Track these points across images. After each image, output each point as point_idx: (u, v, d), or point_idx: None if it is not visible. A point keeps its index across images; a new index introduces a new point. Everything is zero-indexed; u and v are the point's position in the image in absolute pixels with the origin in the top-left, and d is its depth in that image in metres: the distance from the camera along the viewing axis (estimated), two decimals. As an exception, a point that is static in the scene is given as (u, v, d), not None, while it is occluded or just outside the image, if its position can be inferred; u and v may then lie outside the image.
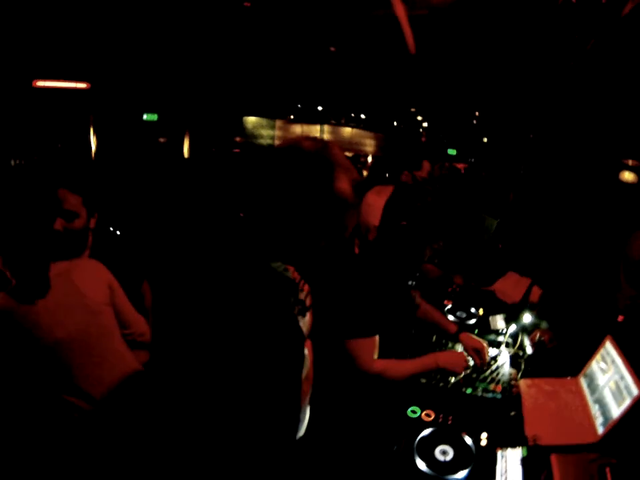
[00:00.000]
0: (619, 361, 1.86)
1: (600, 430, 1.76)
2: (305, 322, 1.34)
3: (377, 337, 2.03)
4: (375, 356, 2.03)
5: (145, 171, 6.49)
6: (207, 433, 1.11)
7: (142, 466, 1.33)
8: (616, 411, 1.72)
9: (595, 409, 1.89)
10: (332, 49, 6.37)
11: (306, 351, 1.30)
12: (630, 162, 4.21)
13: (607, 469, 1.46)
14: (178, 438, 1.13)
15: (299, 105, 13.72)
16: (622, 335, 1.97)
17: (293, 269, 1.24)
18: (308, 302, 1.36)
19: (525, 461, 1.66)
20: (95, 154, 7.92)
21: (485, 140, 8.64)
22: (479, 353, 2.29)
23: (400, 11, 4.12)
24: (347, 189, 1.17)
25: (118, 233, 2.77)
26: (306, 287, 1.38)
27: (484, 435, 1.81)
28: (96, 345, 1.89)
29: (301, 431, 1.39)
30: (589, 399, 1.98)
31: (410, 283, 2.41)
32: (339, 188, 1.15)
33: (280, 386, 1.14)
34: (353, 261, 2.04)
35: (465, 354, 2.25)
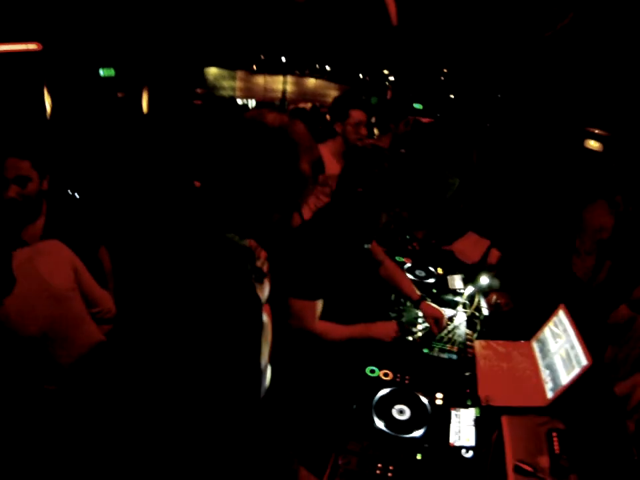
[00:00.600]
0: (570, 330, 1.97)
1: (549, 395, 1.89)
2: (262, 288, 1.36)
3: (320, 301, 2.11)
4: (317, 318, 2.11)
5: (102, 129, 6.13)
6: (173, 402, 1.13)
7: (113, 439, 1.35)
8: (565, 378, 1.83)
9: (545, 374, 2.02)
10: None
11: (265, 317, 1.31)
12: (596, 130, 4.31)
13: (554, 434, 1.56)
14: (144, 409, 1.14)
15: (262, 56, 13.24)
16: (575, 305, 2.08)
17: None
18: (265, 268, 1.39)
19: (477, 421, 1.76)
20: (50, 114, 7.37)
21: (452, 97, 8.61)
22: (437, 322, 2.37)
23: None
24: (307, 168, 1.19)
25: (76, 195, 2.63)
26: (262, 254, 1.39)
27: (439, 395, 1.90)
28: (70, 332, 1.90)
29: (263, 391, 1.42)
30: (540, 363, 2.11)
31: (366, 246, 2.41)
32: (301, 168, 1.18)
33: (240, 351, 1.18)
34: (304, 226, 2.03)
35: (396, 323, 2.30)
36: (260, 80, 15.44)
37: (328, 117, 3.96)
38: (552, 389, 1.89)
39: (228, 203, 1.19)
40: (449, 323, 2.45)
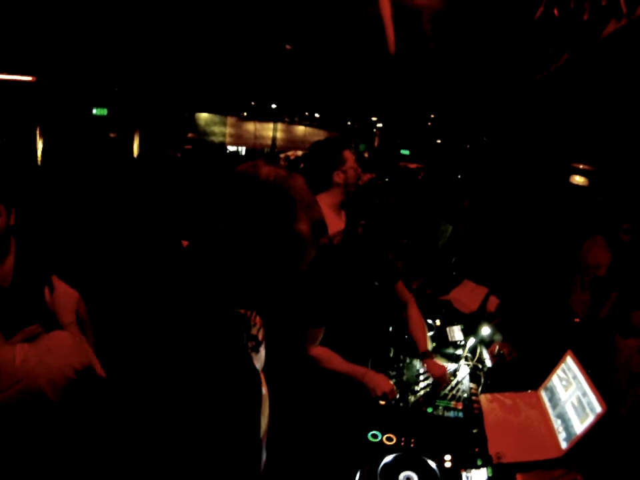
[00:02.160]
0: (580, 376, 1.96)
1: (563, 445, 1.85)
2: (259, 357, 1.33)
3: (323, 329, 2.21)
4: (317, 343, 2.21)
5: (90, 169, 6.25)
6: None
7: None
8: (579, 427, 1.80)
9: (557, 424, 1.98)
10: (287, 47, 6.36)
11: (263, 390, 1.29)
12: (580, 166, 4.47)
13: (573, 488, 1.52)
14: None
15: (252, 103, 13.73)
16: (582, 350, 2.08)
17: None
18: (260, 336, 1.36)
19: (488, 482, 1.70)
20: (41, 150, 7.59)
21: (439, 141, 8.94)
22: (440, 380, 2.35)
23: (386, 10, 4.05)
24: (306, 230, 1.10)
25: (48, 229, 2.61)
26: (258, 320, 1.36)
27: (447, 457, 1.85)
28: None
29: (262, 467, 1.38)
30: (551, 413, 2.07)
31: (376, 283, 2.45)
32: (298, 229, 1.09)
33: (240, 428, 1.12)
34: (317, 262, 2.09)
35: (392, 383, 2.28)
36: (250, 127, 15.90)
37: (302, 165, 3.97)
38: (566, 439, 1.85)
39: (217, 268, 1.12)
40: (451, 378, 2.43)
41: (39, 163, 7.31)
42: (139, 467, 1.09)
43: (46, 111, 7.60)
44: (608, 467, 1.70)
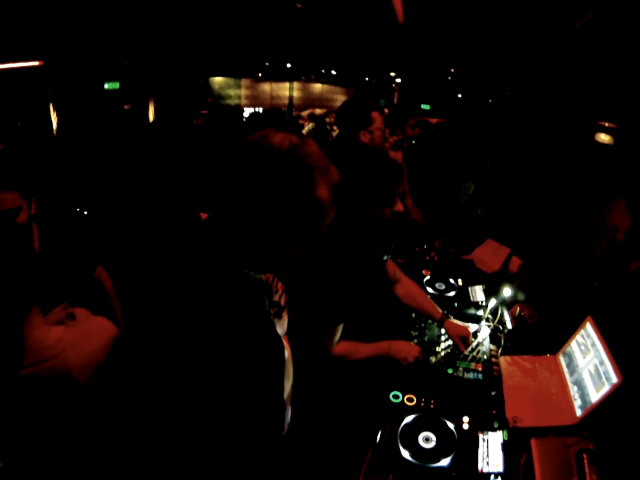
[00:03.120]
0: (599, 344, 2.03)
1: (578, 412, 1.95)
2: (281, 323, 1.41)
3: (341, 326, 2.16)
4: (335, 342, 2.17)
5: (107, 144, 6.28)
6: (194, 438, 1.15)
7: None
8: (595, 396, 1.89)
9: (573, 391, 2.07)
10: (298, 5, 6.15)
11: (286, 353, 1.38)
12: (606, 124, 4.35)
13: (584, 455, 1.63)
14: (164, 446, 1.18)
15: (267, 63, 13.43)
16: (603, 317, 2.13)
17: None
18: (283, 302, 1.43)
19: (505, 445, 1.82)
20: (57, 131, 7.62)
21: (460, 96, 8.66)
22: (464, 341, 2.43)
23: None
24: (326, 195, 1.12)
25: (70, 213, 2.71)
26: (280, 286, 1.43)
27: (466, 419, 1.96)
28: None
29: (286, 426, 1.50)
30: (568, 379, 2.17)
31: (385, 257, 2.48)
32: (318, 195, 1.11)
33: (262, 390, 1.20)
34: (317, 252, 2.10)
35: (419, 347, 2.35)
36: (266, 87, 15.80)
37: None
38: (581, 407, 1.95)
39: (240, 238, 1.15)
40: (473, 339, 2.52)
41: (55, 145, 7.34)
42: (165, 431, 1.17)
43: (57, 93, 7.55)
44: (621, 438, 1.79)
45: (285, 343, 1.46)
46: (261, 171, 1.08)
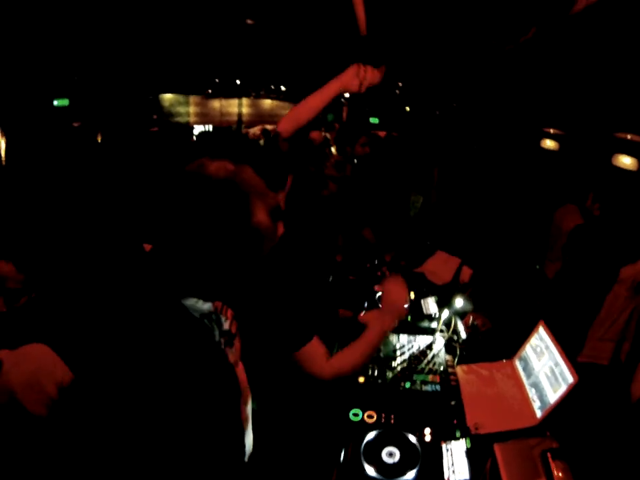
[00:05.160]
0: (552, 347, 2.12)
1: (538, 414, 2.01)
2: (233, 350, 1.39)
3: (315, 338, 2.01)
4: (325, 356, 1.93)
5: (57, 165, 6.03)
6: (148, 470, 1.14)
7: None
8: (553, 396, 1.97)
9: (532, 393, 2.14)
10: (249, 21, 6.25)
11: (240, 379, 1.36)
12: (551, 130, 4.64)
13: (549, 455, 1.67)
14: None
15: (216, 79, 13.47)
16: (554, 321, 2.23)
17: None
18: (233, 329, 1.41)
19: (469, 452, 1.84)
20: (5, 151, 7.27)
21: (408, 109, 8.96)
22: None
23: None
24: (264, 219, 1.17)
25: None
26: (229, 314, 1.41)
27: (427, 431, 1.97)
28: None
29: (248, 453, 1.46)
30: (525, 382, 2.24)
31: (330, 277, 2.48)
32: (257, 220, 1.16)
33: (218, 422, 1.20)
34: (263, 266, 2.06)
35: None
36: (216, 104, 15.72)
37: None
38: (540, 408, 2.02)
39: (184, 267, 1.17)
40: (428, 351, 2.55)
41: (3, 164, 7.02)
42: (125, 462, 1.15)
43: (3, 112, 7.28)
44: (582, 434, 1.86)
45: (240, 369, 1.44)
46: (200, 201, 1.11)
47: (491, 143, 5.32)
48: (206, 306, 1.27)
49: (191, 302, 1.21)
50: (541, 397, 2.05)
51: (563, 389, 1.92)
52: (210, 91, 15.00)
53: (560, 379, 1.96)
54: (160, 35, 7.05)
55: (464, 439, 1.92)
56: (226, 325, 1.38)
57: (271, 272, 2.02)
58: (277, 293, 1.99)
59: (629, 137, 3.50)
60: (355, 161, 3.98)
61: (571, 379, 1.90)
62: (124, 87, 9.63)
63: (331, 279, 2.46)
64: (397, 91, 8.70)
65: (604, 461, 1.72)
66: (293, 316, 1.96)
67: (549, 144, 4.60)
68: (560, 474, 1.57)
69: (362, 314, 2.53)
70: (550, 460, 1.65)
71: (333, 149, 4.31)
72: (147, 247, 1.74)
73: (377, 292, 3.17)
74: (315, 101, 2.29)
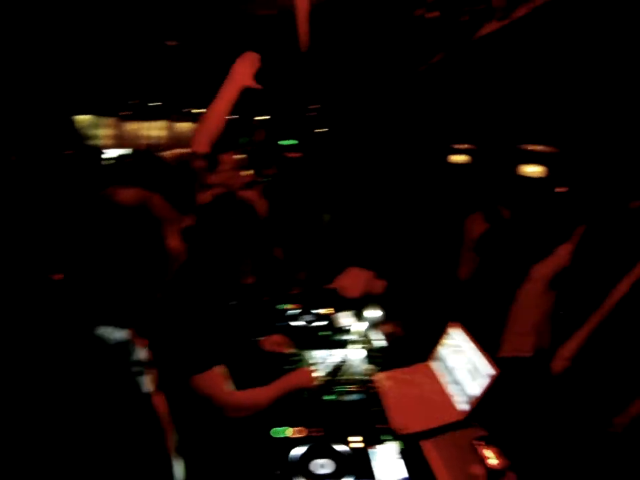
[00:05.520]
0: (469, 344, 2.22)
1: (463, 407, 2.08)
2: (149, 378, 1.32)
3: (221, 368, 1.99)
4: (227, 387, 1.99)
5: None
6: None
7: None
8: (475, 390, 2.04)
9: (454, 389, 2.21)
10: (170, 43, 6.16)
11: (159, 407, 1.30)
12: (461, 146, 4.98)
13: (478, 442, 1.71)
14: None
15: (134, 101, 13.05)
16: (467, 318, 2.33)
17: None
18: (148, 357, 1.36)
19: (400, 454, 1.85)
20: None
21: (319, 130, 9.13)
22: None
23: (303, 5, 4.10)
24: (176, 244, 1.23)
25: None
26: (141, 342, 1.35)
27: (357, 439, 1.95)
28: None
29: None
30: (446, 380, 2.30)
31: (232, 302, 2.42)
32: (168, 245, 1.21)
33: (143, 455, 1.18)
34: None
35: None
36: (132, 127, 15.10)
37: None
38: (465, 402, 2.08)
39: (96, 295, 1.17)
40: (345, 357, 2.56)
41: None
42: None
43: None
44: (508, 421, 1.93)
45: (159, 399, 1.37)
46: (111, 229, 1.15)
47: (402, 156, 5.57)
48: (119, 335, 1.23)
49: (103, 331, 1.18)
50: (464, 391, 2.12)
51: (485, 382, 1.99)
52: (127, 113, 14.51)
53: (481, 373, 2.05)
54: (76, 54, 6.77)
55: (395, 441, 1.92)
56: (140, 354, 1.33)
57: (173, 298, 1.96)
58: (177, 319, 1.93)
59: (532, 147, 3.88)
60: (264, 181, 3.98)
61: (492, 372, 1.99)
62: (37, 106, 9.13)
63: (235, 303, 2.39)
64: (314, 113, 8.91)
65: (532, 442, 1.80)
66: (193, 343, 1.93)
67: (459, 158, 4.93)
68: (491, 459, 1.61)
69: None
70: (480, 448, 1.68)
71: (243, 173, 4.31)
72: (58, 276, 1.68)
73: (291, 310, 3.15)
74: (219, 107, 2.29)
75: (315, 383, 2.29)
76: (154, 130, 15.68)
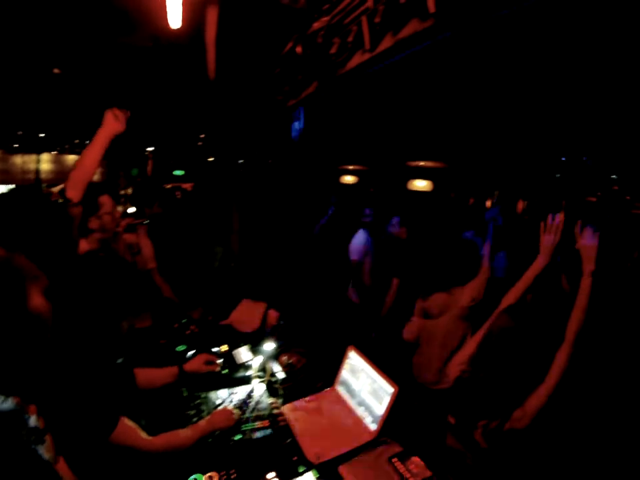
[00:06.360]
0: (366, 366, 2.34)
1: (373, 427, 2.16)
2: (46, 446, 1.26)
3: (125, 419, 1.94)
4: (143, 434, 1.95)
5: None
6: None
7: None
8: (380, 409, 2.15)
9: (360, 411, 2.30)
10: (56, 70, 5.70)
11: (62, 474, 1.28)
12: (350, 167, 5.22)
13: (394, 459, 1.79)
14: None
15: (19, 132, 11.70)
16: (362, 342, 2.45)
17: None
18: (41, 424, 1.30)
19: (321, 481, 1.87)
20: None
21: (211, 159, 8.98)
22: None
23: (210, 34, 4.12)
24: (40, 302, 1.19)
25: None
26: (32, 410, 1.29)
27: (271, 475, 1.94)
28: None
29: None
30: (352, 403, 2.39)
31: (119, 360, 2.34)
32: (32, 305, 1.17)
33: None
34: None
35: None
36: (17, 160, 13.54)
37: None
38: (373, 422, 2.18)
39: None
40: (247, 394, 2.54)
41: None
42: None
43: None
44: (419, 430, 2.04)
45: (61, 464, 1.29)
46: None
47: (294, 184, 5.66)
48: (6, 405, 1.17)
49: None
50: (371, 412, 2.21)
51: (387, 400, 2.11)
52: (13, 145, 13.18)
53: (382, 392, 2.16)
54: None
55: (310, 471, 1.94)
56: (32, 422, 1.26)
57: (57, 357, 1.84)
58: (64, 381, 1.83)
59: (421, 163, 4.19)
60: (146, 222, 3.85)
61: (391, 390, 2.12)
62: None
63: (122, 360, 2.31)
64: (200, 143, 8.80)
65: (449, 449, 1.92)
66: (88, 408, 1.85)
67: (348, 179, 5.16)
68: (411, 469, 1.69)
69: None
70: (397, 462, 1.76)
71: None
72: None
73: (187, 351, 3.06)
74: (90, 156, 2.38)
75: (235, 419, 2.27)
76: (37, 163, 14.60)
